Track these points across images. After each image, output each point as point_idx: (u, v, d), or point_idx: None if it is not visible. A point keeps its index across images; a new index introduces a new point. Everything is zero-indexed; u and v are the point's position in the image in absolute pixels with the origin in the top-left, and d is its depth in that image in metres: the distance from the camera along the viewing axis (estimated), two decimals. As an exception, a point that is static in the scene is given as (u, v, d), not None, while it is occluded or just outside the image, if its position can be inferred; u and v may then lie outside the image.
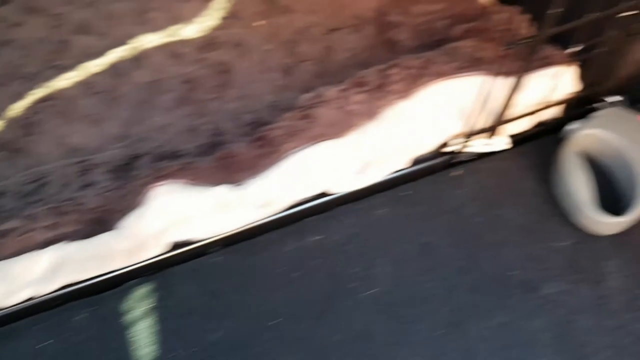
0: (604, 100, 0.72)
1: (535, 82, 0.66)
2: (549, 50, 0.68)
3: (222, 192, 0.61)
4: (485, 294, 0.61)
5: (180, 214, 0.60)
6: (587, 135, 0.67)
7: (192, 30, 0.84)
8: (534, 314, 0.59)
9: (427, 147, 0.68)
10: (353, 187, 0.67)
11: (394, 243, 0.64)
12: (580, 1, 0.59)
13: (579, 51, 0.65)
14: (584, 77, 0.70)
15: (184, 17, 0.85)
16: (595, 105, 0.72)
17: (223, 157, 0.65)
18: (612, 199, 0.66)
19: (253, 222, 0.63)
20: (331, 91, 0.68)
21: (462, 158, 0.69)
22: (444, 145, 0.68)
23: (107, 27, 0.82)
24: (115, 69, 0.78)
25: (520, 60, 0.60)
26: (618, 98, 0.71)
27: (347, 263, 0.62)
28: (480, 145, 0.67)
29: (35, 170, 0.68)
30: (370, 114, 0.67)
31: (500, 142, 0.68)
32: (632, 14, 0.63)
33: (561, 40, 0.67)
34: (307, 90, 0.76)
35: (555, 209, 0.66)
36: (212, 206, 0.61)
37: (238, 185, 0.63)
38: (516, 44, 0.56)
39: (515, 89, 0.63)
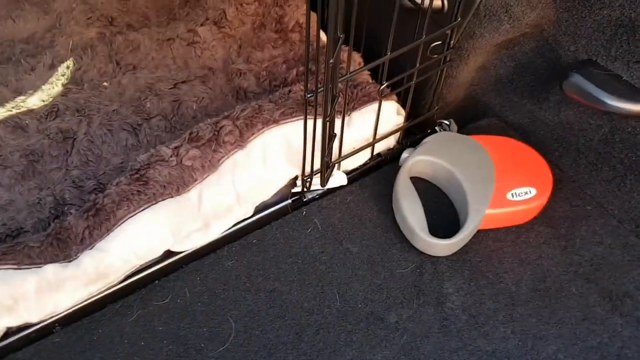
0: (435, 127, 0.76)
1: (361, 118, 0.68)
2: (370, 87, 0.71)
3: (51, 271, 0.60)
4: (333, 332, 0.61)
5: (8, 300, 0.58)
6: (419, 161, 0.70)
7: (35, 100, 0.82)
8: (381, 346, 0.60)
9: (267, 193, 0.69)
10: (198, 243, 0.67)
11: (243, 295, 0.64)
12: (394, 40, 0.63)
13: (394, 85, 0.68)
14: (410, 106, 0.73)
15: (28, 87, 0.83)
16: (428, 131, 0.75)
17: (54, 234, 0.63)
18: (453, 221, 0.69)
19: (91, 297, 0.61)
20: (165, 149, 0.67)
21: (305, 198, 0.70)
22: (285, 188, 0.69)
23: (-58, 107, 0.80)
24: (-51, 152, 0.75)
25: (333, 94, 0.62)
26: (446, 122, 0.75)
27: (193, 324, 0.62)
28: (319, 184, 0.69)
29: None
30: (207, 167, 0.68)
31: (339, 178, 0.70)
32: (439, 44, 0.66)
33: (375, 76, 0.70)
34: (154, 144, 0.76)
35: (397, 236, 0.68)
36: (43, 287, 0.59)
37: (70, 261, 0.61)
38: (314, 92, 0.57)
39: (341, 126, 0.65)
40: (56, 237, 0.62)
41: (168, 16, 0.95)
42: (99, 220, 0.63)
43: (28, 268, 0.60)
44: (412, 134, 0.75)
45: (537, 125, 0.72)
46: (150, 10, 0.96)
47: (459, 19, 0.63)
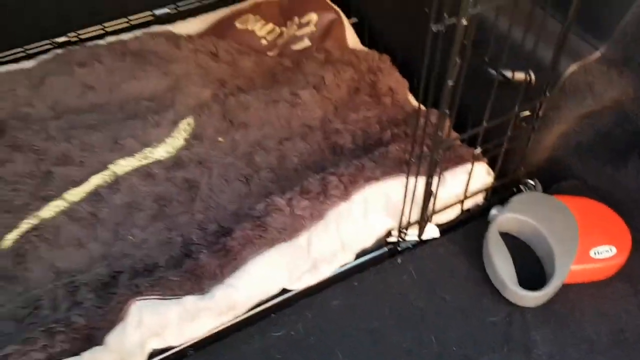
0: (520, 185, 0.83)
1: (453, 178, 0.77)
2: (462, 150, 0.79)
3: (190, 302, 0.70)
4: (430, 371, 0.69)
5: (155, 326, 0.68)
6: (508, 218, 0.77)
7: (161, 152, 0.95)
8: (474, 386, 0.67)
9: (367, 241, 0.78)
10: (308, 283, 0.76)
11: (348, 332, 0.73)
12: (483, 108, 0.72)
13: (487, 149, 0.76)
14: (499, 168, 0.81)
15: (154, 140, 0.96)
16: (514, 189, 0.83)
17: (190, 270, 0.74)
18: (539, 273, 0.76)
19: (221, 326, 0.71)
20: (279, 200, 0.78)
21: (401, 248, 0.78)
22: (384, 238, 0.78)
23: (85, 156, 0.93)
24: (94, 195, 0.88)
25: (435, 158, 0.71)
26: (532, 182, 0.82)
27: (306, 355, 0.70)
28: (414, 235, 0.77)
29: (27, 295, 0.77)
30: (315, 216, 0.78)
31: (432, 231, 0.78)
32: (529, 115, 0.75)
33: (471, 141, 0.79)
34: (266, 195, 0.87)
35: (487, 287, 0.75)
36: (183, 316, 0.69)
37: (204, 293, 0.71)
38: (422, 155, 0.67)
39: (437, 184, 0.74)
40: (192, 273, 0.73)
41: (272, 80, 1.07)
42: (228, 260, 0.74)
43: (171, 299, 0.70)
44: (498, 192, 0.82)
45: (616, 188, 0.79)
46: (256, 75, 1.09)
47: (548, 95, 0.71)
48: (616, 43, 0.71)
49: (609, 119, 0.76)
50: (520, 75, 0.76)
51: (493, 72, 0.73)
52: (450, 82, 0.57)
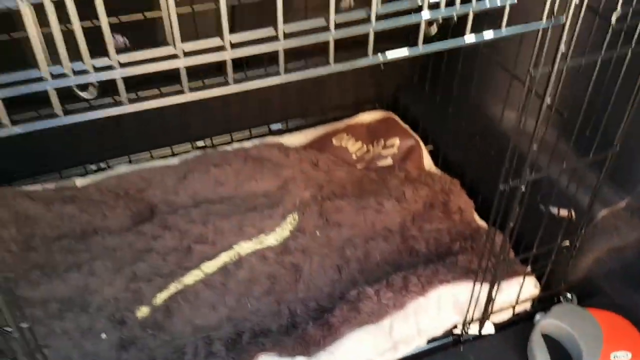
0: (560, 297, 1.04)
1: (509, 287, 0.99)
2: (517, 266, 1.02)
3: (301, 362, 0.93)
4: None
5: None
6: (548, 323, 0.98)
7: (272, 239, 1.22)
8: None
9: (438, 331, 0.99)
10: (389, 359, 0.98)
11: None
12: (535, 234, 0.95)
13: (536, 268, 0.99)
14: (544, 283, 1.03)
15: (267, 229, 1.23)
16: (555, 300, 1.04)
17: (301, 337, 0.97)
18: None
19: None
20: (369, 290, 1.02)
21: (463, 339, 1.00)
22: (450, 329, 1.00)
23: (217, 238, 1.21)
24: (223, 270, 1.14)
25: (496, 272, 0.94)
26: (569, 296, 1.04)
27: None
28: (475, 330, 0.99)
29: (174, 343, 1.01)
30: (397, 306, 1.00)
31: (489, 328, 1.00)
32: (568, 245, 0.98)
33: (523, 259, 1.02)
34: (353, 283, 1.11)
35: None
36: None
37: (311, 356, 0.94)
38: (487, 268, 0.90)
39: (495, 292, 0.97)
40: (302, 339, 0.97)
41: (360, 189, 1.34)
42: (330, 332, 0.97)
43: (286, 357, 0.94)
44: (543, 301, 1.04)
45: (637, 308, 0.99)
46: (347, 183, 1.36)
47: (584, 231, 0.94)
48: (639, 196, 0.94)
49: (632, 253, 0.98)
50: (564, 213, 1.00)
51: (543, 208, 0.97)
52: (511, 224, 0.81)
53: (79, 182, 1.32)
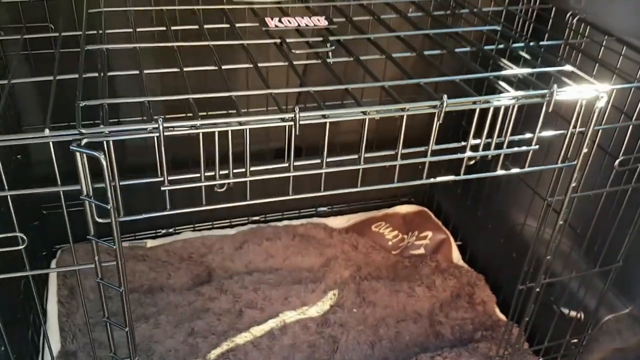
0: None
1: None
2: (529, 357, 1.16)
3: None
4: None
5: None
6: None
7: (314, 311, 1.38)
8: None
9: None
10: None
11: None
12: (546, 330, 1.10)
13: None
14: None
15: (310, 302, 1.40)
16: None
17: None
18: None
19: None
20: (402, 367, 1.16)
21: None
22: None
23: (265, 305, 1.37)
24: (270, 334, 1.30)
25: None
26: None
27: None
28: (490, 411, 1.12)
29: (225, 395, 1.16)
30: (424, 384, 1.15)
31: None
32: (576, 341, 1.12)
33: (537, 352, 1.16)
34: (384, 359, 1.25)
35: None
36: None
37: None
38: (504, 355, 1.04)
39: (510, 379, 1.10)
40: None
41: (394, 273, 1.51)
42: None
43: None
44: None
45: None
46: (383, 267, 1.53)
47: (590, 331, 1.09)
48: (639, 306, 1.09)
49: (634, 354, 1.11)
50: (573, 314, 1.15)
51: (556, 308, 1.12)
52: (526, 318, 0.97)
53: (150, 243, 1.52)
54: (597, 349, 1.14)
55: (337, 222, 1.68)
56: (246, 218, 1.64)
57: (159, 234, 1.57)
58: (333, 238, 1.59)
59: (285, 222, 1.64)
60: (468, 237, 1.58)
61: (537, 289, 0.92)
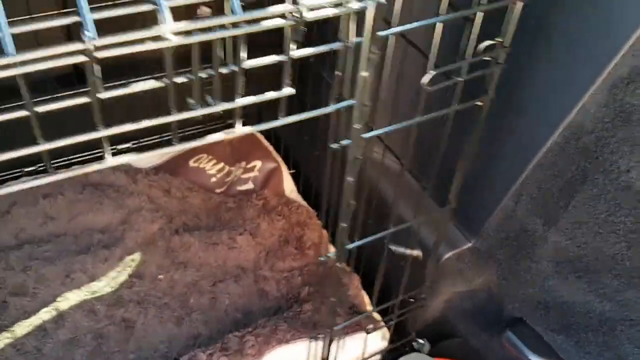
0: (413, 344, 0.97)
1: (352, 342, 0.90)
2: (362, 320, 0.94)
3: None
4: None
5: None
6: (395, 376, 0.91)
7: (105, 286, 1.07)
8: None
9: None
10: None
11: None
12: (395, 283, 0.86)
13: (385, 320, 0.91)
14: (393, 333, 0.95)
15: (99, 274, 1.08)
16: (406, 349, 0.97)
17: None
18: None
19: None
20: (202, 355, 0.90)
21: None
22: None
23: (38, 288, 1.04)
24: (40, 329, 0.99)
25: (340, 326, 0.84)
26: (421, 342, 0.97)
27: None
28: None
29: None
30: (232, 371, 0.90)
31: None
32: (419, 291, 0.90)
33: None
34: (195, 337, 0.99)
35: None
36: None
37: None
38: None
39: (337, 349, 0.87)
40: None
41: (215, 219, 1.21)
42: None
43: None
44: (396, 350, 0.97)
45: (489, 353, 0.93)
46: (202, 212, 1.23)
47: (429, 282, 0.87)
48: (482, 239, 0.87)
49: (481, 296, 0.92)
50: (412, 253, 0.92)
51: (392, 247, 0.88)
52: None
53: None
54: (439, 294, 0.93)
55: (145, 161, 1.33)
56: (19, 170, 1.25)
57: None
58: (137, 183, 1.25)
59: (73, 171, 1.27)
60: (301, 163, 1.31)
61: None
